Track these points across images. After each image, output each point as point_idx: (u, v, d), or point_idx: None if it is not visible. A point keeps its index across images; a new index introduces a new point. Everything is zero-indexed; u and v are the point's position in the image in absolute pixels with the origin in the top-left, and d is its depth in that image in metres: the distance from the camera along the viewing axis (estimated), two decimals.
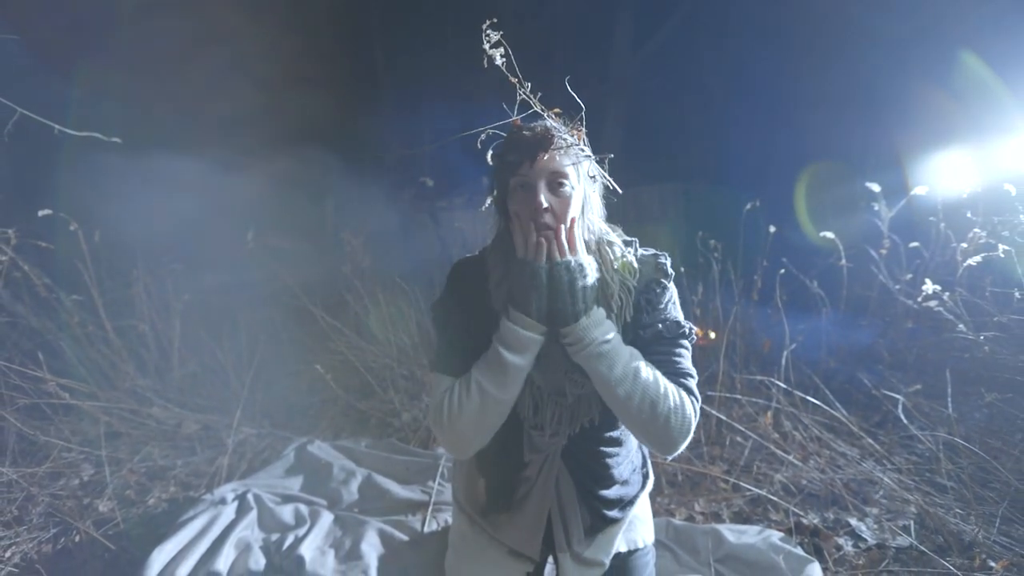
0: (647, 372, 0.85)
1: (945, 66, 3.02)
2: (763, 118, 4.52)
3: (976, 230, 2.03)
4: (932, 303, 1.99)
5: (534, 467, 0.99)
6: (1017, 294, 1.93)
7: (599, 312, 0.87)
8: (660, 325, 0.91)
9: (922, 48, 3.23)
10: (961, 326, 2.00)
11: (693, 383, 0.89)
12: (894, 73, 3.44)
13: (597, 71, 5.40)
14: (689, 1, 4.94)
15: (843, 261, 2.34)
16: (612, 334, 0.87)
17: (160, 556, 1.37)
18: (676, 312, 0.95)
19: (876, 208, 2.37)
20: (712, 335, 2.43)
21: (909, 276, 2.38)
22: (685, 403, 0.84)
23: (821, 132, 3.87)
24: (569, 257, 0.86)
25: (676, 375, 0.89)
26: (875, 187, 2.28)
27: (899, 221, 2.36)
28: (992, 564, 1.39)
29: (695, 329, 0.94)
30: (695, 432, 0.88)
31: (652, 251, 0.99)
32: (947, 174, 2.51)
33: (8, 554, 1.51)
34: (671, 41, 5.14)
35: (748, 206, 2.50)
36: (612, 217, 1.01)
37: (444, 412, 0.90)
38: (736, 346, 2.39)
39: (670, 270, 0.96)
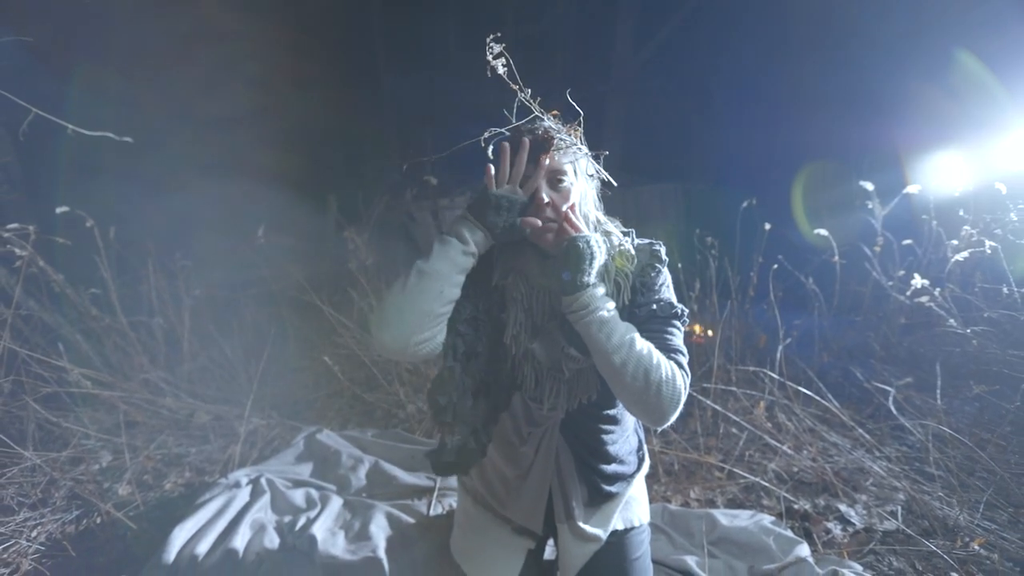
0: (642, 344, 0.90)
1: (939, 66, 3.06)
2: (760, 118, 4.58)
3: (967, 228, 2.08)
4: (923, 298, 2.04)
5: (533, 442, 1.06)
6: (1005, 290, 1.99)
7: (601, 286, 0.94)
8: (654, 305, 0.98)
9: (917, 48, 3.28)
10: (951, 321, 2.05)
11: (684, 360, 0.94)
12: (889, 73, 3.49)
13: (598, 72, 5.46)
14: (688, 3, 5.00)
15: (837, 258, 2.40)
16: (612, 305, 0.93)
17: (181, 534, 1.44)
18: (670, 294, 1.01)
19: (870, 206, 2.42)
20: (710, 332, 2.49)
21: (901, 273, 2.43)
22: (676, 376, 0.89)
23: (816, 132, 3.92)
24: (585, 233, 0.93)
25: (668, 351, 0.94)
26: (869, 186, 2.34)
27: (893, 219, 2.42)
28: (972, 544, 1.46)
29: (687, 311, 1.00)
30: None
31: (648, 240, 1.05)
32: (940, 173, 2.57)
33: (34, 534, 1.58)
34: (671, 43, 5.20)
35: (744, 204, 2.55)
36: (611, 214, 1.08)
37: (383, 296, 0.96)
38: (732, 340, 2.44)
39: (664, 256, 1.02)
